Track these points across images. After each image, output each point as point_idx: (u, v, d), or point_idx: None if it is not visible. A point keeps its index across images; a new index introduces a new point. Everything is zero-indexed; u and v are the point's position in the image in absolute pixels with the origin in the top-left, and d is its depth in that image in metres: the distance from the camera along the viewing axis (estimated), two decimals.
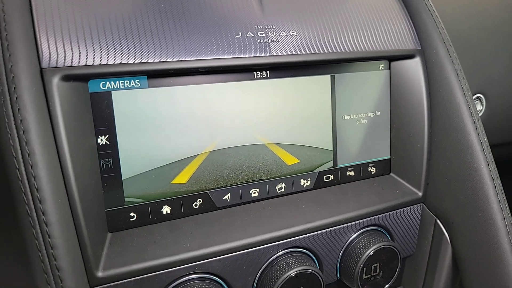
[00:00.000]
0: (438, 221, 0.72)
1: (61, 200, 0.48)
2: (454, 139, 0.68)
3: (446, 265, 0.72)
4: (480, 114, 1.08)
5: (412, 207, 0.73)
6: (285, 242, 0.63)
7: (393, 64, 0.74)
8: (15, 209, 0.48)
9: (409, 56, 0.73)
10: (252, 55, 0.61)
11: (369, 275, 0.69)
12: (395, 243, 0.69)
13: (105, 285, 0.53)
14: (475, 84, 1.06)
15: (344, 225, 0.67)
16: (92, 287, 0.52)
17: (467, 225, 0.67)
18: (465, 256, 0.68)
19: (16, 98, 0.46)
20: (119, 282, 0.53)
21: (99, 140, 0.56)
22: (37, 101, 0.48)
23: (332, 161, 0.72)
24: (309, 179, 0.71)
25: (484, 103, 1.08)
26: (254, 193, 0.67)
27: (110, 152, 0.57)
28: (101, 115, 0.56)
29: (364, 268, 0.68)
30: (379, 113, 0.75)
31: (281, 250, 0.63)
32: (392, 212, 0.71)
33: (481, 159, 0.65)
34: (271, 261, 0.63)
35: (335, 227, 0.66)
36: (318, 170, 0.71)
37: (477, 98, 1.08)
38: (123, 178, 0.58)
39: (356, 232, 0.69)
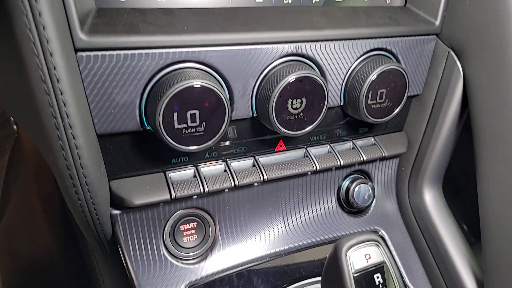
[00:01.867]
0: (452, 52, 0.68)
1: None
2: None
3: (455, 100, 0.68)
4: None
5: (425, 37, 0.68)
6: (290, 46, 0.58)
7: None
8: None
9: None
10: None
11: (374, 101, 0.65)
12: (403, 66, 0.65)
13: (92, 53, 0.47)
14: None
15: (353, 41, 0.62)
16: (77, 51, 0.47)
17: (483, 51, 0.63)
18: (477, 85, 0.64)
19: None
20: (107, 53, 0.48)
21: None
22: None
23: None
24: None
25: None
26: None
27: None
28: None
29: (370, 92, 0.63)
30: None
31: (286, 56, 0.58)
32: (404, 38, 0.66)
33: None
34: (274, 66, 0.58)
35: (344, 41, 0.61)
36: None
37: None
38: None
39: (365, 53, 0.64)
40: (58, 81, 0.42)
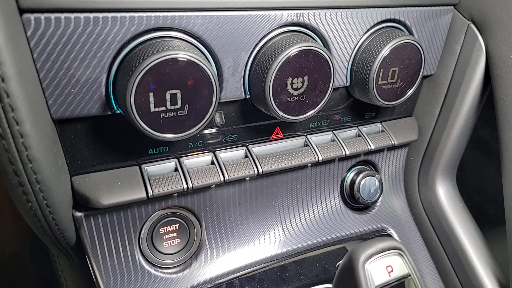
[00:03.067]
0: (472, 25, 0.59)
1: None
2: None
3: (476, 79, 0.60)
4: None
5: (442, 8, 0.59)
6: (291, 14, 0.48)
7: None
8: None
9: None
10: None
11: (386, 81, 0.56)
12: (417, 38, 0.56)
13: (42, 15, 0.37)
14: None
15: (362, 9, 0.53)
16: (23, 12, 0.36)
17: (509, 22, 0.54)
18: (502, 61, 0.56)
19: None
20: (62, 16, 0.38)
21: None
22: None
23: None
24: None
25: None
26: None
27: None
28: None
29: (381, 70, 0.54)
30: None
31: (285, 26, 0.49)
32: (419, 8, 0.57)
33: None
34: (271, 37, 0.49)
35: (352, 9, 0.52)
36: None
37: None
38: None
39: (375, 24, 0.55)
40: None
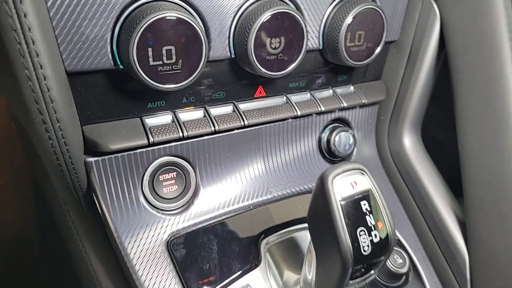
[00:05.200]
0: None
1: None
2: None
3: (432, 43, 0.68)
4: None
5: None
6: None
7: None
8: None
9: None
10: None
11: (353, 43, 0.64)
12: (380, 5, 0.64)
13: None
14: None
15: None
16: None
17: None
18: (454, 26, 0.64)
19: None
20: None
21: None
22: None
23: None
24: None
25: None
26: None
27: None
28: None
29: (349, 34, 0.63)
30: None
31: None
32: None
33: None
34: (252, 2, 0.56)
35: None
36: None
37: None
38: None
39: None
40: (20, 1, 0.39)
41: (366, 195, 0.47)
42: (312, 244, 0.51)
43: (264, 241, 0.62)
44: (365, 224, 0.45)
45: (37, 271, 1.17)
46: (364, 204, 0.46)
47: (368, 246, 0.45)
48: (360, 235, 0.45)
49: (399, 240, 0.68)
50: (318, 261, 0.50)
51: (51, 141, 0.47)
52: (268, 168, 0.68)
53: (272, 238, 0.62)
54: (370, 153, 0.76)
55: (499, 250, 0.59)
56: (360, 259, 0.45)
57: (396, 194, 0.73)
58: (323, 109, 0.67)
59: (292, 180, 0.68)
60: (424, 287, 0.65)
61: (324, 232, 0.46)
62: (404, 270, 0.63)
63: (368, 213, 0.46)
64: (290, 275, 0.61)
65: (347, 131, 0.72)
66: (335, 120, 0.73)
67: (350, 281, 0.47)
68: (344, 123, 0.75)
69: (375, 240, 0.46)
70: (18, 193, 1.15)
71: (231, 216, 0.62)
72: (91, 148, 0.53)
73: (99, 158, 0.55)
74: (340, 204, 0.45)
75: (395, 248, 0.65)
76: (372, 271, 0.49)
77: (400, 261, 0.64)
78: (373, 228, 0.46)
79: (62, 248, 0.89)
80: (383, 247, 0.47)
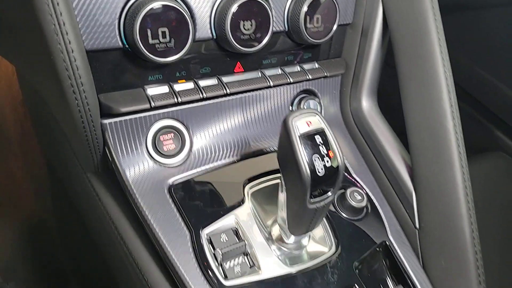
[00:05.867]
0: None
1: None
2: None
3: (377, 24, 0.83)
4: None
5: None
6: None
7: None
8: None
9: None
10: None
11: (312, 25, 0.79)
12: None
13: None
14: None
15: None
16: None
17: None
18: (392, 8, 0.80)
19: None
20: None
21: None
22: None
23: None
24: None
25: None
26: None
27: None
28: None
29: (308, 17, 0.78)
30: None
31: None
32: None
33: None
34: None
35: None
36: None
37: None
38: None
39: None
40: None
41: (319, 132, 0.61)
42: (282, 178, 0.65)
43: (247, 186, 0.76)
44: (319, 152, 0.59)
45: (54, 247, 1.30)
46: (318, 138, 0.61)
47: (322, 169, 0.59)
48: (315, 160, 0.59)
49: (359, 183, 0.83)
50: (286, 188, 0.64)
51: (77, 101, 0.61)
52: (249, 129, 0.82)
53: (254, 184, 0.77)
54: (335, 116, 0.91)
55: (436, 182, 0.73)
56: (316, 180, 0.59)
57: (357, 149, 0.88)
58: (291, 80, 0.82)
59: (269, 138, 0.83)
60: (381, 218, 0.79)
61: (289, 162, 0.60)
62: (363, 204, 0.77)
63: (321, 144, 0.60)
64: (268, 213, 0.75)
65: (314, 99, 0.86)
66: (304, 91, 0.88)
67: (311, 199, 0.61)
68: (312, 94, 0.89)
69: (328, 165, 0.60)
70: (33, 178, 1.28)
71: (220, 167, 0.77)
72: (106, 111, 0.68)
73: (112, 120, 0.69)
74: (299, 137, 0.59)
75: (355, 188, 0.79)
76: (330, 193, 0.63)
77: (359, 197, 0.78)
78: (325, 155, 0.60)
79: (77, 224, 1.02)
80: (335, 171, 0.61)
